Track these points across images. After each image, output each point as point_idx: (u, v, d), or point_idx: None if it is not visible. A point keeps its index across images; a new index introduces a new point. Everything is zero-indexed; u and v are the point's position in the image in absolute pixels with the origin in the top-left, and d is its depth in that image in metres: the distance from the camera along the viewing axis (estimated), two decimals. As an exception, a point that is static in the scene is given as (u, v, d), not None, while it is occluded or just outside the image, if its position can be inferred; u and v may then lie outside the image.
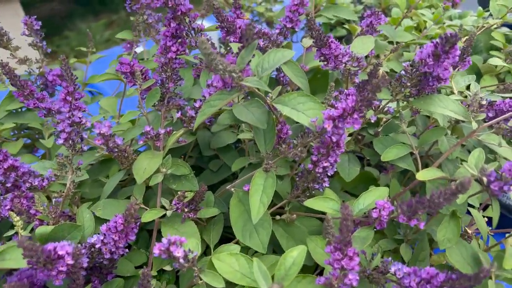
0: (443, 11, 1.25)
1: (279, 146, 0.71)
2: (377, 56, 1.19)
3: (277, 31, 0.95)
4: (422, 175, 0.66)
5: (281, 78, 0.98)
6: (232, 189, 0.73)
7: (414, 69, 0.67)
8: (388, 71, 1.00)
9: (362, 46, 0.87)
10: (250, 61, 0.60)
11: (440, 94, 0.69)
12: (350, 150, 0.91)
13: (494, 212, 0.65)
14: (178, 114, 0.72)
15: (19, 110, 0.97)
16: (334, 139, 0.61)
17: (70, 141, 0.69)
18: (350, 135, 0.89)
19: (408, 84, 0.68)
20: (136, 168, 0.70)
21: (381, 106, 0.77)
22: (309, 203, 0.65)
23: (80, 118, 0.69)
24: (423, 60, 0.63)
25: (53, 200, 0.72)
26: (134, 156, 0.72)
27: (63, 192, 0.70)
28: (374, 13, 0.95)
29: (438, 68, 0.63)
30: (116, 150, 0.65)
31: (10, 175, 0.73)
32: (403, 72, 0.69)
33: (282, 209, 0.76)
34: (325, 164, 0.66)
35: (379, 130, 0.86)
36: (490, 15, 1.23)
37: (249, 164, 0.78)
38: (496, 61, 1.02)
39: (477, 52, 1.27)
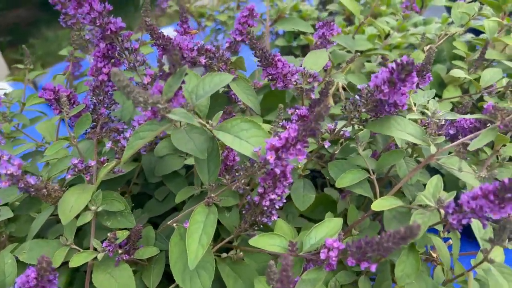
0: (403, 20, 1.21)
1: (223, 177, 0.65)
2: (338, 65, 1.14)
3: (227, 45, 0.89)
4: (378, 205, 0.61)
5: (233, 96, 0.92)
6: (174, 225, 0.66)
7: (369, 94, 0.61)
8: (346, 83, 0.95)
9: (315, 61, 0.82)
10: (180, 87, 0.53)
11: (397, 116, 0.64)
12: (310, 169, 0.85)
13: (454, 244, 0.60)
14: (109, 145, 0.65)
15: None
16: (277, 171, 0.55)
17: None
18: (310, 152, 0.83)
19: (363, 110, 0.62)
20: (62, 206, 0.62)
21: (336, 129, 0.72)
22: (254, 241, 0.59)
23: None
24: (378, 87, 0.57)
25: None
26: (60, 191, 0.64)
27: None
28: (326, 24, 0.90)
29: (394, 95, 0.58)
30: (32, 189, 0.57)
31: None
32: (357, 97, 0.64)
33: (230, 244, 0.70)
34: (272, 197, 0.60)
35: (336, 151, 0.80)
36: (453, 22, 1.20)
37: (194, 195, 0.71)
38: (458, 73, 0.98)
39: (441, 61, 1.23)
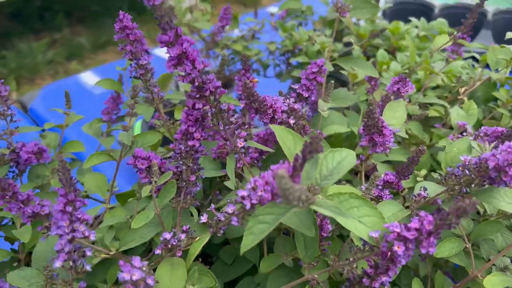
0: (447, 63, 1.21)
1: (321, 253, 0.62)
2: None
3: (292, 99, 0.85)
4: (490, 282, 0.59)
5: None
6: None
7: (479, 169, 0.59)
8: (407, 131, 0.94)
9: (393, 115, 0.80)
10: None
11: (503, 187, 0.63)
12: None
13: None
14: (204, 219, 0.60)
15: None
16: (403, 261, 0.52)
17: (71, 262, 0.54)
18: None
19: (473, 185, 0.60)
20: (159, 286, 0.57)
21: (428, 197, 0.70)
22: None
23: (83, 232, 0.55)
24: (497, 166, 0.56)
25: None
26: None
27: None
28: (401, 80, 0.88)
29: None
30: None
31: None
32: (458, 170, 0.62)
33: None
34: (384, 279, 0.57)
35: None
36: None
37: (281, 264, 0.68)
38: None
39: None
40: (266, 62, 1.70)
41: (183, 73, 0.59)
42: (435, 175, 0.89)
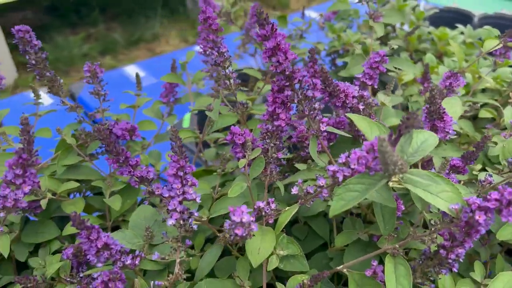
0: (494, 66, 1.25)
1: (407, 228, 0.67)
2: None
3: (357, 87, 0.91)
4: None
5: (362, 137, 0.94)
6: (345, 270, 0.68)
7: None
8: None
9: (450, 110, 0.85)
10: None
11: None
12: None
13: None
14: (294, 190, 0.66)
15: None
16: (483, 230, 0.57)
17: (181, 221, 0.62)
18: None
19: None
20: (250, 248, 0.63)
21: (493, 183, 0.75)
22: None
23: (192, 195, 0.62)
24: None
25: (152, 283, 0.64)
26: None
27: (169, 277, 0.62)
28: (453, 75, 0.94)
29: None
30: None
31: (103, 254, 0.64)
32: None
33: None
34: (460, 251, 0.63)
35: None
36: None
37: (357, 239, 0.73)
38: None
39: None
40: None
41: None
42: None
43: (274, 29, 0.65)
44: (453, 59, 1.52)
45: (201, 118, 1.65)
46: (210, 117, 0.85)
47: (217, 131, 0.94)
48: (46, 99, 2.61)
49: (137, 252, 0.68)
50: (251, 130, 0.77)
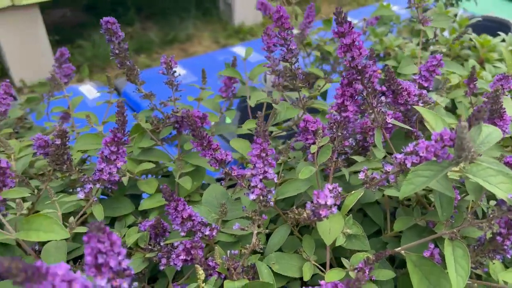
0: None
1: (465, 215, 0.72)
2: None
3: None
4: None
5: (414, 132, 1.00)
6: (403, 252, 0.74)
7: None
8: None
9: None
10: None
11: None
12: None
13: None
14: (361, 175, 0.72)
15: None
16: (541, 219, 0.62)
17: (261, 197, 0.69)
18: None
19: None
20: (321, 228, 0.70)
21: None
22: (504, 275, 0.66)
23: (271, 174, 0.69)
24: None
25: (228, 252, 0.71)
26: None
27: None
28: (504, 77, 0.98)
29: None
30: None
31: (186, 224, 0.72)
32: None
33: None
34: (515, 238, 0.68)
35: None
36: None
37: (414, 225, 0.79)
38: None
39: None
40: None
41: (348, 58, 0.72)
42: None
43: (351, 27, 0.72)
44: (495, 65, 1.56)
45: (243, 115, 1.73)
46: (275, 109, 0.93)
47: (276, 124, 1.01)
48: (92, 91, 2.72)
49: (213, 225, 0.75)
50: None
